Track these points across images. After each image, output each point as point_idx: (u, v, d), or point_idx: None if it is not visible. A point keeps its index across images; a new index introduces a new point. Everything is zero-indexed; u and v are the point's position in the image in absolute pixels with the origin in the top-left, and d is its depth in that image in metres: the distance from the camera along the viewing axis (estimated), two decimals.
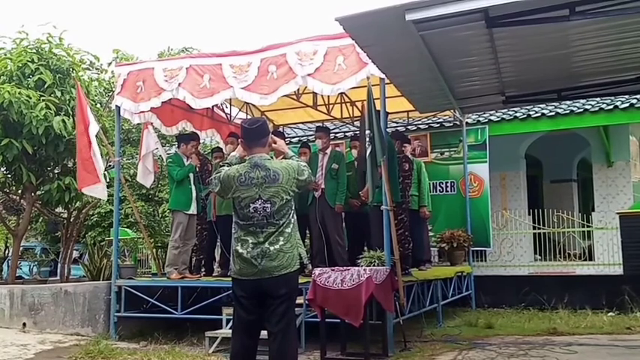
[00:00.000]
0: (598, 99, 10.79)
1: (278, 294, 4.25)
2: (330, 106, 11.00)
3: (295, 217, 4.45)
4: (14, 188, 10.91)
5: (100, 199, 11.50)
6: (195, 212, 8.78)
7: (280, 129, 12.20)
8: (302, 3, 58.86)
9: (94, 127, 8.91)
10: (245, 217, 4.30)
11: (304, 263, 4.38)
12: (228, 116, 11.30)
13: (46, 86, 9.84)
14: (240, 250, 4.30)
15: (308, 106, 10.82)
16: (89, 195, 9.57)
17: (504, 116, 11.58)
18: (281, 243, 4.27)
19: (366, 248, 7.61)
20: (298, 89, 9.60)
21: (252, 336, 4.37)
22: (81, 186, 8.95)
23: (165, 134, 10.84)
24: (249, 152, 4.44)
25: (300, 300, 7.71)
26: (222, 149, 10.07)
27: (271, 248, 4.24)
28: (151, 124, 9.72)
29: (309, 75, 7.58)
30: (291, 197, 4.37)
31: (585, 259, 11.34)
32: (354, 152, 9.43)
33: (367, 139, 7.10)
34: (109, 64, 11.71)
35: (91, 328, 8.44)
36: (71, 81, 10.16)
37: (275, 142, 4.61)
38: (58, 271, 11.24)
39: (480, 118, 11.62)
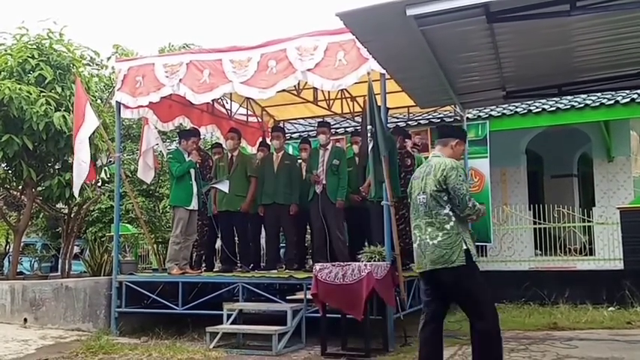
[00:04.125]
0: (599, 94, 10.77)
1: (445, 283, 4.62)
2: (331, 102, 10.98)
3: (459, 216, 4.62)
4: (15, 184, 10.91)
5: (100, 196, 11.55)
6: (195, 208, 8.78)
7: (281, 124, 12.20)
8: None
9: (91, 126, 8.90)
10: (414, 208, 4.84)
11: (473, 260, 4.61)
12: (229, 112, 11.29)
13: (46, 82, 9.83)
14: (413, 244, 4.82)
15: (308, 101, 10.81)
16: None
17: (505, 111, 11.58)
18: (439, 239, 4.57)
19: (366, 243, 7.60)
20: (299, 84, 9.60)
21: (434, 317, 4.76)
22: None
23: (162, 130, 10.76)
24: (434, 149, 5.00)
25: (300, 295, 7.74)
26: (221, 145, 10.07)
27: (430, 243, 4.61)
28: (147, 120, 9.70)
29: (309, 70, 7.57)
30: (440, 190, 4.59)
31: (586, 254, 11.34)
32: (355, 147, 9.43)
33: (369, 135, 7.09)
34: (108, 58, 11.72)
35: (92, 324, 8.45)
36: (72, 77, 10.14)
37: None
38: (59, 266, 11.24)
39: (481, 114, 11.60)
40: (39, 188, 10.35)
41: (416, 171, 4.97)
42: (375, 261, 6.96)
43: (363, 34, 5.50)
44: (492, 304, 4.82)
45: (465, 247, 4.55)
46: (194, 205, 8.72)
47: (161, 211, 14.21)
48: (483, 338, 4.62)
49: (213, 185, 9.06)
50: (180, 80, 8.35)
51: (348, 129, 12.45)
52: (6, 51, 10.10)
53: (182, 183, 8.68)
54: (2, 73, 9.79)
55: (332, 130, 9.86)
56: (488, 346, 4.62)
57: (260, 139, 11.49)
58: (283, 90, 9.71)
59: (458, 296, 4.72)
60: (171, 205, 9.10)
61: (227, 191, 8.84)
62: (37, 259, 12.74)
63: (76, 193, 9.18)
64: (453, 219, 4.59)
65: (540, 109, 11.28)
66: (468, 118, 11.38)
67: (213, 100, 10.20)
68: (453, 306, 9.68)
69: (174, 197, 8.81)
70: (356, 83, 7.78)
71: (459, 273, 4.55)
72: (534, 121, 11.42)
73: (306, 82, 8.71)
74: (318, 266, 6.90)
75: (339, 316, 6.82)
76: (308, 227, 9.37)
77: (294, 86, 9.68)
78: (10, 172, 10.44)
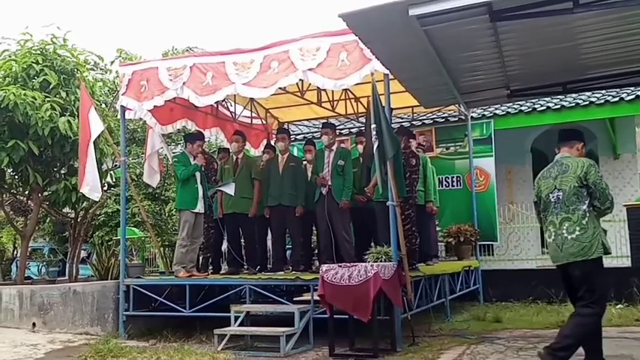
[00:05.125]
0: (603, 91, 10.75)
1: (579, 274, 4.90)
2: (335, 103, 10.98)
3: (594, 212, 4.91)
4: (21, 189, 10.95)
5: (106, 200, 11.57)
6: (201, 211, 8.77)
7: (285, 126, 12.21)
8: (307, 0, 58.79)
9: (95, 131, 8.92)
10: (546, 207, 5.14)
11: (609, 252, 4.91)
12: (233, 114, 11.30)
13: (51, 87, 9.87)
14: (548, 239, 5.13)
15: (312, 102, 10.81)
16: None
17: (509, 110, 11.56)
18: (577, 233, 4.86)
19: (372, 244, 7.59)
20: (302, 86, 9.59)
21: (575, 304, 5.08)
22: (80, 186, 9.02)
23: (165, 133, 10.73)
24: (558, 151, 5.23)
25: (307, 296, 7.74)
26: (228, 150, 10.05)
27: (568, 237, 4.89)
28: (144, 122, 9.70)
29: (310, 70, 7.56)
30: (581, 186, 4.89)
31: None
32: (360, 147, 9.43)
33: (374, 134, 7.08)
34: (112, 62, 11.76)
35: (100, 327, 8.47)
36: (76, 81, 10.18)
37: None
38: (67, 271, 11.29)
39: (485, 112, 11.59)
40: (45, 193, 10.39)
41: (542, 172, 5.25)
42: (381, 261, 6.96)
43: (366, 34, 5.51)
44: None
45: (602, 241, 4.86)
46: (199, 208, 8.72)
47: (167, 214, 14.24)
48: (590, 320, 4.88)
49: (219, 188, 9.08)
50: (183, 83, 8.36)
51: (352, 130, 12.46)
52: (10, 57, 10.15)
53: (187, 186, 8.69)
54: (7, 78, 9.85)
55: (336, 131, 9.86)
56: (593, 328, 4.91)
57: (265, 141, 11.51)
58: (287, 92, 9.77)
59: (585, 284, 4.92)
60: (177, 209, 9.12)
61: (233, 194, 8.86)
62: (44, 263, 12.80)
63: (96, 197, 9.21)
64: (588, 214, 4.89)
65: (545, 108, 11.26)
66: (472, 117, 11.39)
67: (217, 103, 10.21)
68: (458, 304, 9.65)
69: (179, 200, 8.83)
70: (359, 84, 7.78)
71: (595, 264, 4.88)
72: (539, 119, 11.40)
73: (310, 84, 8.71)
74: (324, 267, 6.89)
75: (347, 316, 6.82)
76: (314, 228, 9.37)
77: (298, 87, 9.68)
78: (16, 177, 10.48)
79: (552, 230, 5.05)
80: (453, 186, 11.39)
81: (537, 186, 5.29)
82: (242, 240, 9.37)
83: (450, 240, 10.70)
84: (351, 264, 6.84)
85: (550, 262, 11.32)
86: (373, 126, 7.09)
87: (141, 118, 10.07)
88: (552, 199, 5.04)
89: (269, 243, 9.65)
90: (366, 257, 7.22)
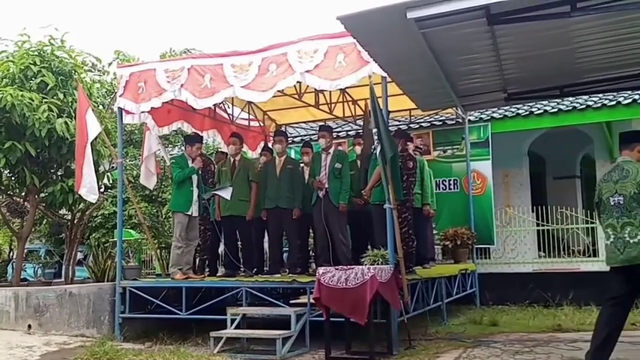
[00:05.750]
0: (600, 95, 10.76)
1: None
2: (332, 105, 10.99)
3: None
4: (18, 191, 10.93)
5: (103, 201, 11.56)
6: (195, 214, 8.73)
7: (282, 128, 12.21)
8: (304, 2, 58.86)
9: (92, 132, 8.91)
10: (605, 209, 5.19)
11: None
12: (231, 116, 11.29)
13: (48, 88, 9.86)
14: (606, 241, 5.19)
15: (310, 105, 10.82)
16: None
17: (507, 113, 11.57)
18: None
19: (369, 247, 7.59)
20: (300, 88, 9.59)
21: (621, 307, 5.18)
22: (77, 188, 9.01)
23: (161, 135, 10.71)
24: (620, 154, 5.33)
25: (304, 299, 7.73)
26: (225, 153, 10.03)
27: (631, 241, 4.95)
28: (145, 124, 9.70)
29: (307, 71, 7.56)
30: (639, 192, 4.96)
31: (589, 256, 11.31)
32: (358, 149, 9.44)
33: (375, 137, 7.07)
34: (110, 64, 11.75)
35: (96, 330, 8.45)
36: (73, 83, 10.17)
37: None
38: (63, 272, 11.25)
39: (483, 116, 11.60)
40: (42, 194, 10.36)
41: (604, 175, 5.34)
42: (378, 264, 6.95)
43: (364, 37, 5.51)
44: None
45: None
46: (193, 210, 8.67)
47: (164, 216, 14.20)
48: None
49: (216, 192, 9.07)
50: (181, 85, 8.35)
51: (350, 132, 12.46)
52: (8, 58, 10.14)
53: (183, 189, 8.68)
54: (4, 80, 9.83)
55: (333, 134, 9.85)
56: None
57: (262, 144, 11.50)
58: (285, 94, 9.76)
59: None
60: (171, 210, 9.11)
61: (229, 198, 8.84)
62: (40, 265, 12.76)
63: (93, 199, 9.19)
64: None
65: (542, 111, 11.27)
66: (469, 120, 11.40)
67: (214, 105, 10.21)
68: (454, 308, 9.64)
69: (173, 202, 8.83)
70: (357, 86, 7.78)
71: None
72: (536, 122, 11.42)
73: (308, 86, 8.70)
74: (321, 270, 6.89)
75: (343, 319, 6.81)
76: (311, 231, 9.36)
77: (296, 90, 9.68)
78: (13, 178, 10.46)
79: (611, 233, 5.11)
80: (450, 189, 11.40)
81: (599, 188, 5.35)
82: (239, 242, 9.36)
83: (447, 243, 10.70)
84: (348, 267, 6.83)
85: (547, 266, 11.43)
86: (375, 130, 7.09)
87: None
88: (612, 203, 5.12)
89: (266, 245, 9.65)
90: (362, 260, 7.21)
